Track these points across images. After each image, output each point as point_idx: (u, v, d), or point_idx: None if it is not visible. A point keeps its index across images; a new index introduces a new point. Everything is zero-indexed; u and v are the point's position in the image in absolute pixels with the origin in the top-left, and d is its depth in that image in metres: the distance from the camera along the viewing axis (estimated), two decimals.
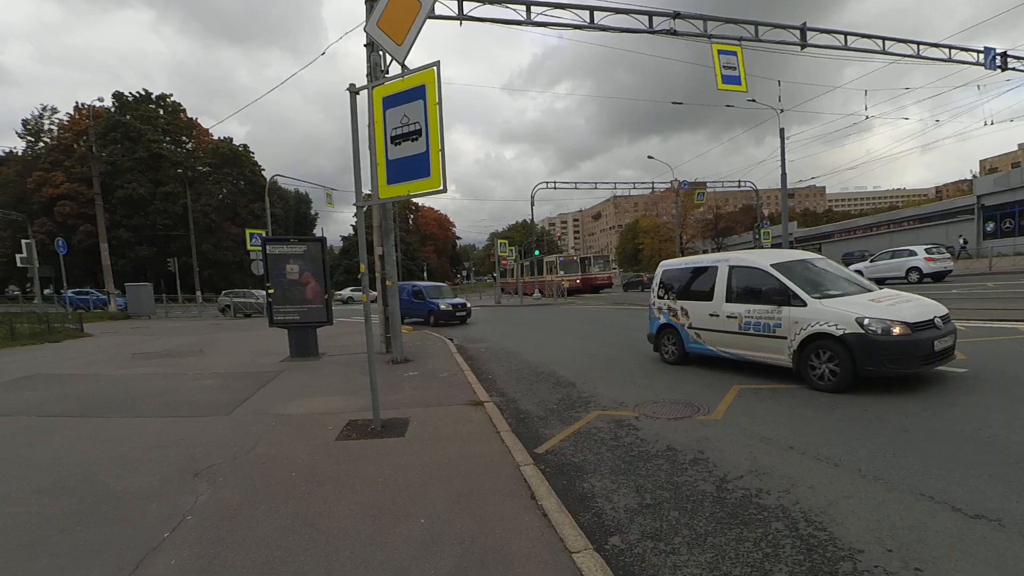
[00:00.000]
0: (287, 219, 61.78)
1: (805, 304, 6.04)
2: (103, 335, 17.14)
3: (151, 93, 52.07)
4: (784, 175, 22.93)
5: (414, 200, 74.07)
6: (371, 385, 5.12)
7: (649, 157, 61.62)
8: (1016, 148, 75.09)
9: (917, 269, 20.05)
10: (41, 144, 49.83)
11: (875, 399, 5.33)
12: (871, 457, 3.87)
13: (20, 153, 49.03)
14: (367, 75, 10.09)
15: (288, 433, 5.20)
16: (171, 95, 53.56)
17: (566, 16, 12.92)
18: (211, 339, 14.84)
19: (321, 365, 9.42)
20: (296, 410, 6.14)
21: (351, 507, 3.40)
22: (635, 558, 2.75)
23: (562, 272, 36.48)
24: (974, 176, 60.65)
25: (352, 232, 65.38)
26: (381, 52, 10.01)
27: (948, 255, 21.69)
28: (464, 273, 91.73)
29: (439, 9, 11.50)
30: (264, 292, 10.76)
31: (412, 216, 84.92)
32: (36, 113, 50.37)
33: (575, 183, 37.98)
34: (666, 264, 8.84)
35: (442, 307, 18.09)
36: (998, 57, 17.11)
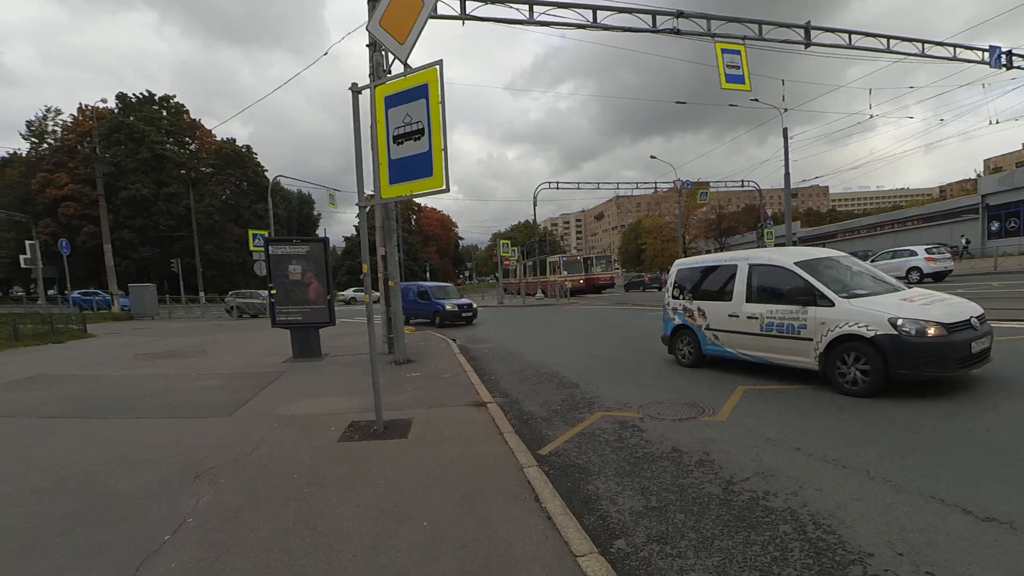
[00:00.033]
0: (290, 220, 61.96)
1: (833, 304, 5.76)
2: (106, 336, 17.17)
3: (154, 94, 52.38)
4: (787, 174, 22.87)
5: (416, 201, 74.30)
6: (373, 386, 5.10)
7: (652, 157, 61.47)
8: (1021, 147, 74.57)
9: (918, 269, 20.06)
10: (45, 145, 50.15)
11: (879, 400, 5.27)
12: (879, 459, 3.81)
13: (24, 155, 49.31)
14: (369, 75, 10.07)
15: (290, 434, 5.18)
16: (174, 96, 53.96)
17: (569, 15, 12.90)
18: (214, 340, 14.85)
19: (324, 366, 9.40)
20: (298, 411, 6.12)
21: (353, 509, 3.37)
22: (641, 562, 2.70)
23: (565, 272, 36.46)
24: (978, 175, 60.50)
25: (354, 233, 65.45)
26: (384, 52, 10.00)
27: (949, 255, 21.79)
28: (466, 273, 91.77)
29: (441, 9, 11.48)
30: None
31: (415, 217, 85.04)
32: (40, 115, 50.76)
33: (578, 183, 37.98)
34: (681, 263, 8.51)
35: (448, 308, 17.93)
36: (1003, 56, 17.02)
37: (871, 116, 21.68)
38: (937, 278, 19.86)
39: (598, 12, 12.94)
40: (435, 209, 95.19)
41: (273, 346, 11.69)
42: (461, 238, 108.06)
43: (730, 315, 7.01)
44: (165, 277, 42.23)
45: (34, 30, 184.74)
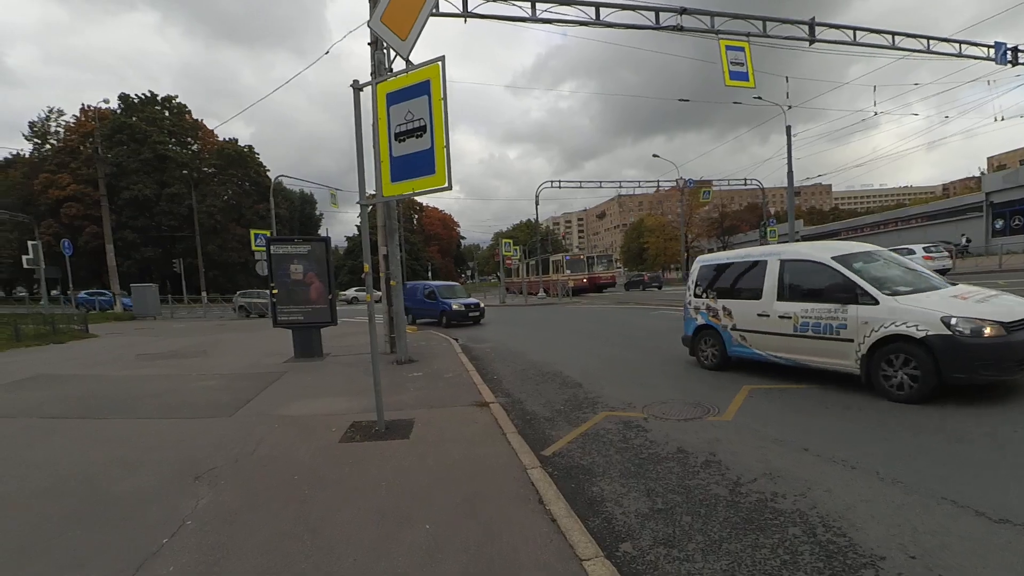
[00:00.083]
0: (292, 220, 61.99)
1: (876, 302, 5.35)
2: (108, 336, 17.18)
3: (156, 95, 52.37)
4: (791, 172, 22.76)
5: (418, 200, 74.41)
6: (375, 386, 5.05)
7: (654, 156, 61.39)
8: None
9: None
10: (47, 146, 50.19)
11: (883, 399, 5.20)
12: (888, 459, 3.75)
13: (27, 155, 49.41)
14: (371, 73, 10.03)
15: (291, 435, 5.14)
16: (176, 96, 54.01)
17: (571, 13, 12.80)
18: (215, 340, 14.84)
19: (325, 366, 9.36)
20: (299, 411, 6.08)
21: (354, 511, 3.32)
22: (648, 566, 2.65)
23: (568, 271, 36.44)
24: (982, 173, 60.07)
25: (356, 232, 65.50)
26: (385, 50, 9.95)
27: (946, 253, 21.86)
28: (468, 273, 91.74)
29: (443, 6, 11.42)
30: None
31: (416, 216, 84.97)
32: (43, 115, 50.77)
33: (579, 182, 37.78)
34: (704, 259, 8.04)
35: (454, 307, 17.68)
36: (1009, 52, 16.87)
37: (875, 113, 21.45)
38: None
39: (601, 9, 12.84)
40: (437, 208, 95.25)
41: (274, 346, 11.67)
42: (463, 237, 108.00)
43: (759, 314, 6.59)
44: (167, 277, 42.31)
45: (36, 30, 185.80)
